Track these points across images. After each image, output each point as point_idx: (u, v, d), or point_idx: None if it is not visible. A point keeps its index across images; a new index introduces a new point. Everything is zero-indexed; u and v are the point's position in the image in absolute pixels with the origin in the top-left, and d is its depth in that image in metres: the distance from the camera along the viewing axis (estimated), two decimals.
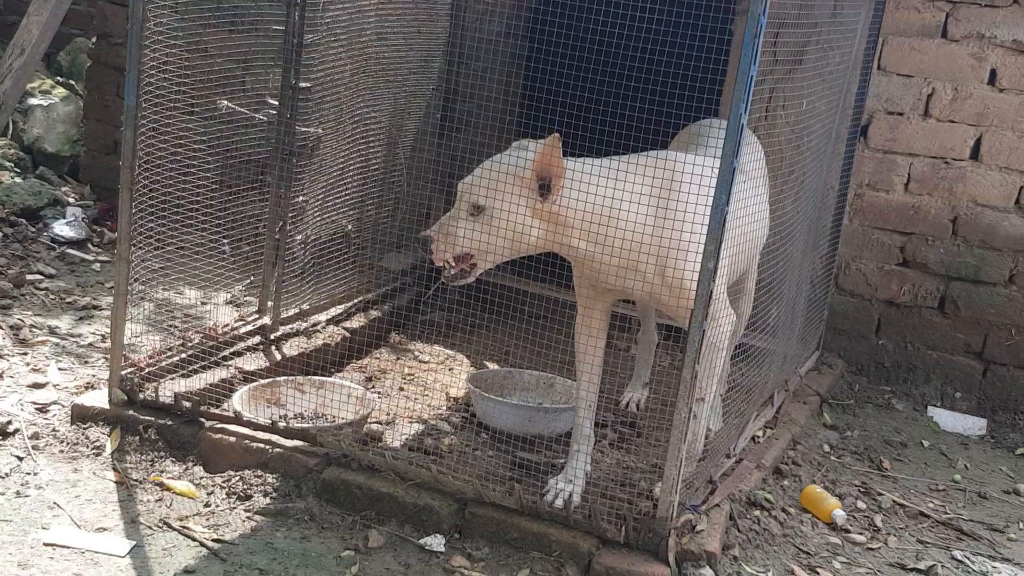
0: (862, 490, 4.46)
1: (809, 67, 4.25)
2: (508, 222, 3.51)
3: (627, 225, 3.52)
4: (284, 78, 4.52)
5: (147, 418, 3.93)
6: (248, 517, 3.58)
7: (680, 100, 4.10)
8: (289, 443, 3.84)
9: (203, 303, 5.19)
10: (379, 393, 4.59)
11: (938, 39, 5.40)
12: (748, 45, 3.07)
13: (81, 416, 3.99)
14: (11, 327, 4.83)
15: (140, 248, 4.02)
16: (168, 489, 3.68)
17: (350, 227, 5.07)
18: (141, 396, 3.99)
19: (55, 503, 3.52)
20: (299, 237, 4.72)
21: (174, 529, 3.46)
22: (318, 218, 4.83)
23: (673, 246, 3.52)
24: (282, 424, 3.93)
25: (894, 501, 4.39)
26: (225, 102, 4.47)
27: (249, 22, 5.26)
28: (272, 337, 4.69)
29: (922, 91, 5.46)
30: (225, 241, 4.60)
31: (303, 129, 4.59)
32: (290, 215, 4.63)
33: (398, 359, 5.11)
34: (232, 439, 3.85)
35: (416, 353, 5.22)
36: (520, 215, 3.52)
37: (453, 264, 3.63)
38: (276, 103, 4.54)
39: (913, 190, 5.54)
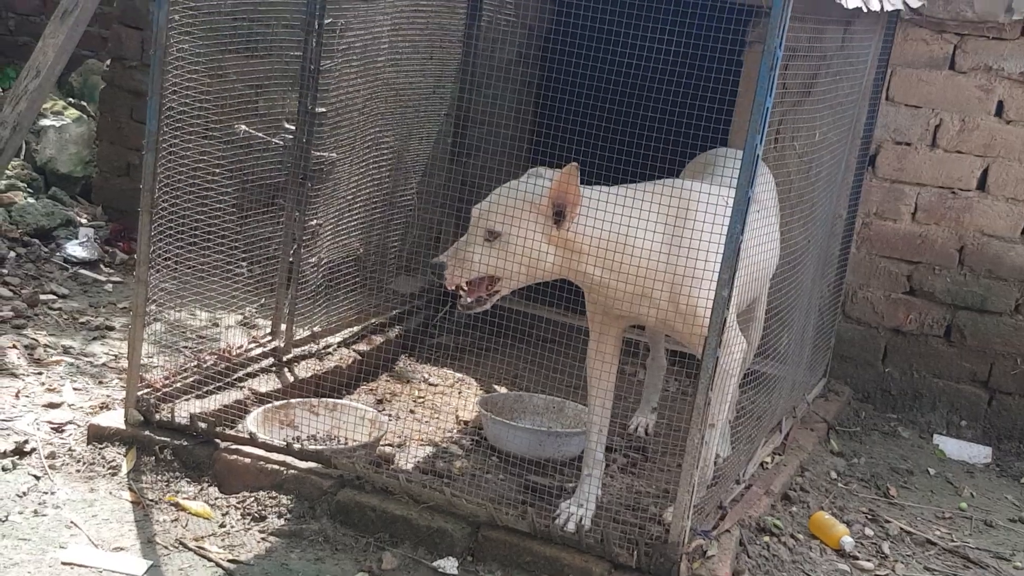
0: (870, 517, 4.49)
1: (819, 97, 4.30)
2: (523, 248, 3.55)
3: (641, 253, 3.56)
4: (301, 103, 4.57)
5: (163, 438, 3.97)
6: (263, 538, 3.61)
7: (690, 129, 4.15)
8: (303, 465, 3.87)
9: (215, 324, 5.23)
10: (390, 416, 4.62)
11: (946, 71, 5.46)
12: (764, 78, 3.11)
13: (97, 436, 4.02)
14: (26, 347, 4.87)
15: (158, 270, 4.07)
16: (184, 509, 3.72)
17: (362, 250, 5.12)
18: (157, 417, 4.02)
19: (72, 522, 3.56)
20: (312, 260, 4.76)
21: (190, 549, 3.49)
22: (331, 241, 4.87)
23: (687, 274, 3.56)
24: (297, 446, 3.96)
25: (901, 528, 4.42)
26: (243, 126, 4.52)
27: (264, 48, 5.32)
28: (285, 359, 4.74)
29: (930, 122, 5.51)
30: (243, 263, 4.64)
31: (318, 153, 4.64)
32: (304, 238, 4.68)
33: (408, 382, 5.14)
34: (247, 460, 3.89)
35: (426, 376, 5.25)
36: (535, 242, 3.56)
37: (467, 290, 3.67)
38: (292, 127, 4.59)
39: (920, 219, 5.59)
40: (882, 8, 4.00)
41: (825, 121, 4.35)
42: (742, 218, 3.21)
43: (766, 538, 4.03)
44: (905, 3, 4.49)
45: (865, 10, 3.78)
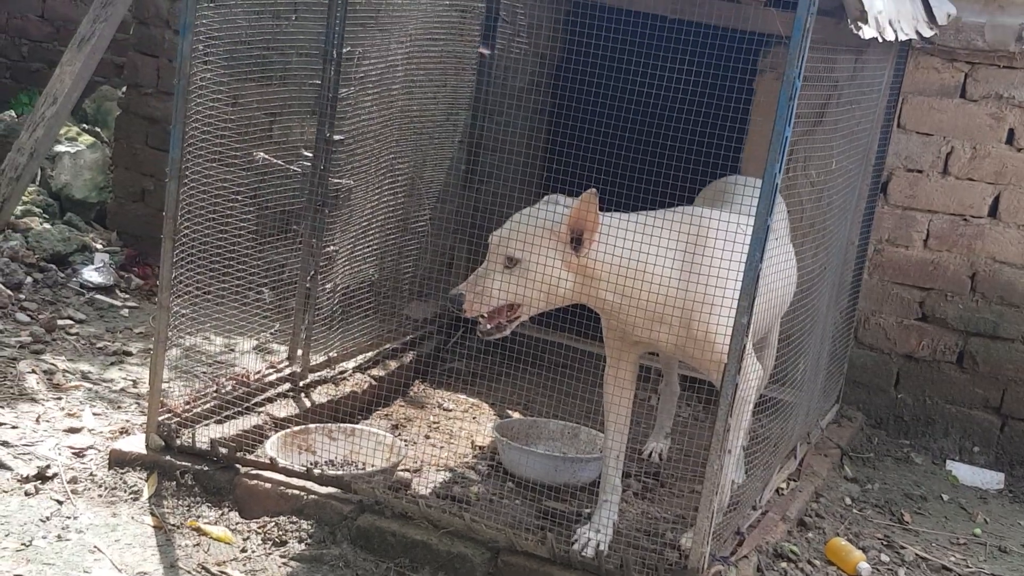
0: (885, 543, 4.50)
1: (831, 125, 4.33)
2: (542, 275, 3.58)
3: (656, 279, 3.59)
4: (319, 131, 4.61)
5: (184, 463, 3.99)
6: (284, 563, 3.63)
7: (702, 157, 4.18)
8: (323, 490, 3.89)
9: (231, 350, 5.26)
10: (406, 441, 4.64)
11: (957, 99, 5.50)
12: (783, 107, 3.15)
13: (118, 461, 4.05)
14: (45, 372, 4.90)
15: (179, 296, 4.10)
16: (205, 534, 3.74)
17: (376, 276, 5.15)
18: (178, 442, 4.05)
19: (96, 547, 3.58)
20: (328, 286, 4.80)
21: (212, 574, 3.51)
22: (347, 267, 4.91)
23: (703, 300, 3.59)
24: (317, 471, 3.98)
25: (917, 554, 4.43)
26: (262, 154, 4.56)
27: (282, 77, 5.37)
28: (302, 384, 4.76)
29: (941, 149, 5.55)
30: (265, 290, 4.67)
31: (335, 180, 4.68)
32: (321, 264, 4.71)
33: (423, 407, 5.17)
34: (267, 485, 3.91)
35: (440, 401, 5.28)
36: (553, 268, 3.59)
37: (486, 317, 3.70)
38: (310, 155, 4.64)
39: (932, 246, 5.62)
40: (896, 38, 4.04)
41: (838, 149, 4.38)
42: (761, 246, 3.24)
43: (783, 564, 4.05)
44: (918, 32, 4.53)
45: (880, 40, 3.82)
